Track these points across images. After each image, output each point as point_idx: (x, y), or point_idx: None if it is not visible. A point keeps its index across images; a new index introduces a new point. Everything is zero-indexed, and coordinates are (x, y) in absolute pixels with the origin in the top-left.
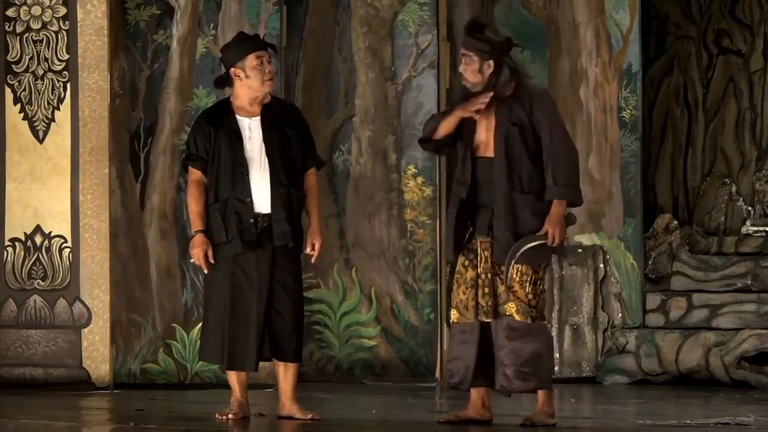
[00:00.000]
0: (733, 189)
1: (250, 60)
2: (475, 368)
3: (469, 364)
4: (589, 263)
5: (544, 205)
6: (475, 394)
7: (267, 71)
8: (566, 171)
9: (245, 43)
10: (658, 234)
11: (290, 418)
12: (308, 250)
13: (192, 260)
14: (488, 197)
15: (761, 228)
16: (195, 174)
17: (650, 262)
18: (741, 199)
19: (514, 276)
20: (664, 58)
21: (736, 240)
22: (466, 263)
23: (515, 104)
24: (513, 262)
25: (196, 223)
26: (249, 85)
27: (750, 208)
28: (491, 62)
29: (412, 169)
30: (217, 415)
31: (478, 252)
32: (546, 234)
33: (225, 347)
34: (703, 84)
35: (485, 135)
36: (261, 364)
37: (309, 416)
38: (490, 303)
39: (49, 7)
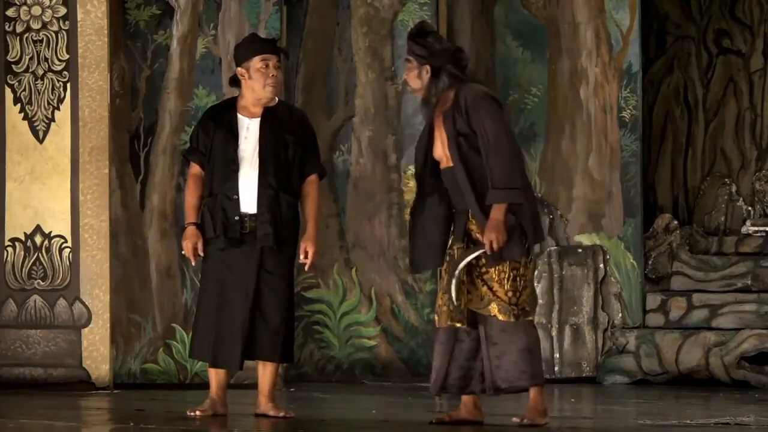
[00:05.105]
0: (733, 189)
1: (255, 62)
2: (453, 373)
3: (440, 371)
4: (589, 263)
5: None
6: (467, 395)
7: (270, 75)
8: (504, 173)
9: (254, 45)
10: (658, 234)
11: (265, 416)
12: (301, 258)
13: (183, 252)
14: (461, 204)
15: (761, 228)
16: (194, 168)
17: (650, 262)
18: (741, 199)
19: (493, 275)
20: (664, 58)
21: (736, 240)
22: (445, 268)
23: (456, 114)
24: (454, 279)
25: (189, 216)
26: (251, 87)
27: (750, 208)
28: (428, 68)
29: (412, 169)
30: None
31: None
32: (486, 243)
33: (212, 345)
34: (703, 84)
35: (441, 148)
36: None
37: (282, 414)
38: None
39: (49, 7)
